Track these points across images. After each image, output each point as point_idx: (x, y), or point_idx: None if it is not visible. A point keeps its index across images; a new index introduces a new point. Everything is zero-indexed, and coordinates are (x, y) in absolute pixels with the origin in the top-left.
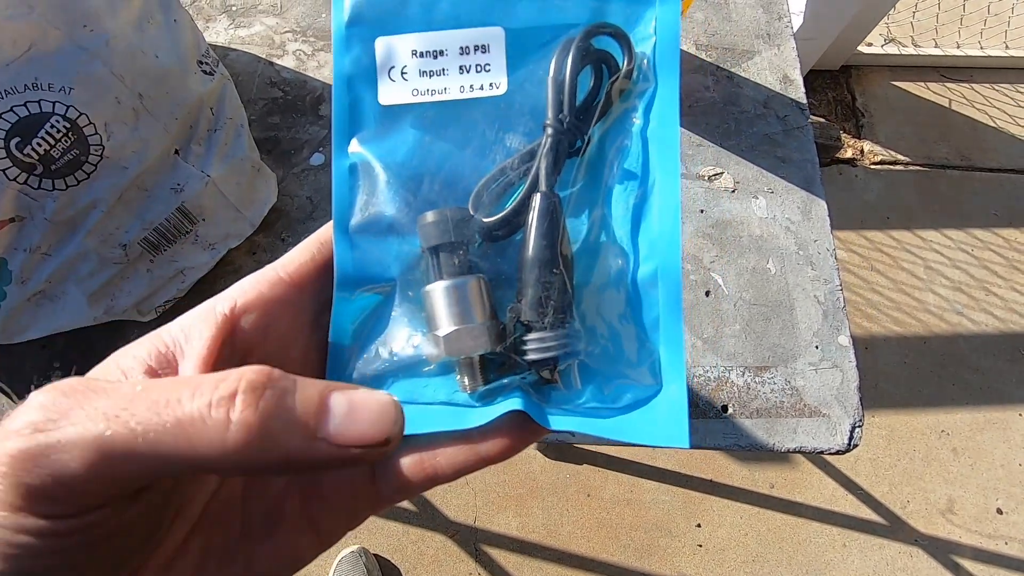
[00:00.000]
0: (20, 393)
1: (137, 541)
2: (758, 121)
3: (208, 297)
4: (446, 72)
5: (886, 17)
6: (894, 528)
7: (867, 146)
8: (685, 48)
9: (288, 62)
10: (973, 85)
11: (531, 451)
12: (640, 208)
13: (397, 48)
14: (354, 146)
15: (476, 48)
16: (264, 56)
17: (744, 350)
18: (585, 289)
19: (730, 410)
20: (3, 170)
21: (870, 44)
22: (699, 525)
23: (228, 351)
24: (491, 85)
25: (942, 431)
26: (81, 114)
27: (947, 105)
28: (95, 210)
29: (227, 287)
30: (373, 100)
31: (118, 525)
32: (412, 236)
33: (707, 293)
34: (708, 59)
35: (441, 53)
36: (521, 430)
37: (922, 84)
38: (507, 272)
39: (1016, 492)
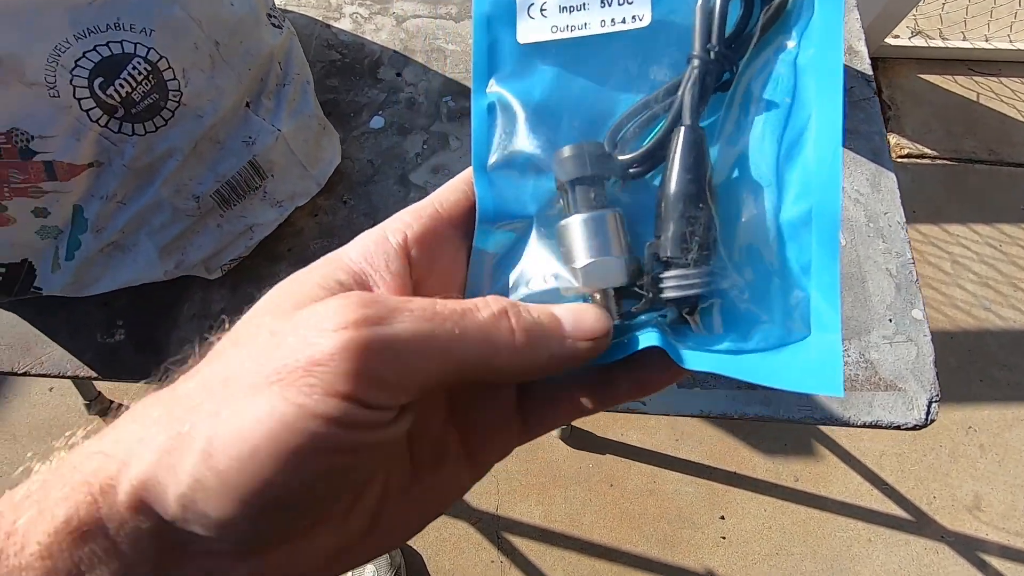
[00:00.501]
0: (83, 350)
1: (385, 464)
2: None
3: (271, 257)
4: (586, 6)
5: (914, 9)
6: (920, 524)
7: (893, 139)
8: None
9: (345, 25)
10: (1002, 79)
11: (554, 439)
12: (795, 142)
13: None
14: (492, 86)
15: None
16: (320, 18)
17: None
18: (730, 228)
19: None
20: (87, 111)
21: (897, 36)
22: (723, 517)
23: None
24: (634, 18)
25: (969, 427)
26: (161, 57)
27: (975, 99)
28: (171, 159)
29: (290, 248)
30: (512, 39)
31: (393, 437)
32: (549, 173)
33: None
34: None
35: None
36: (657, 369)
37: (949, 77)
38: (644, 211)
39: None
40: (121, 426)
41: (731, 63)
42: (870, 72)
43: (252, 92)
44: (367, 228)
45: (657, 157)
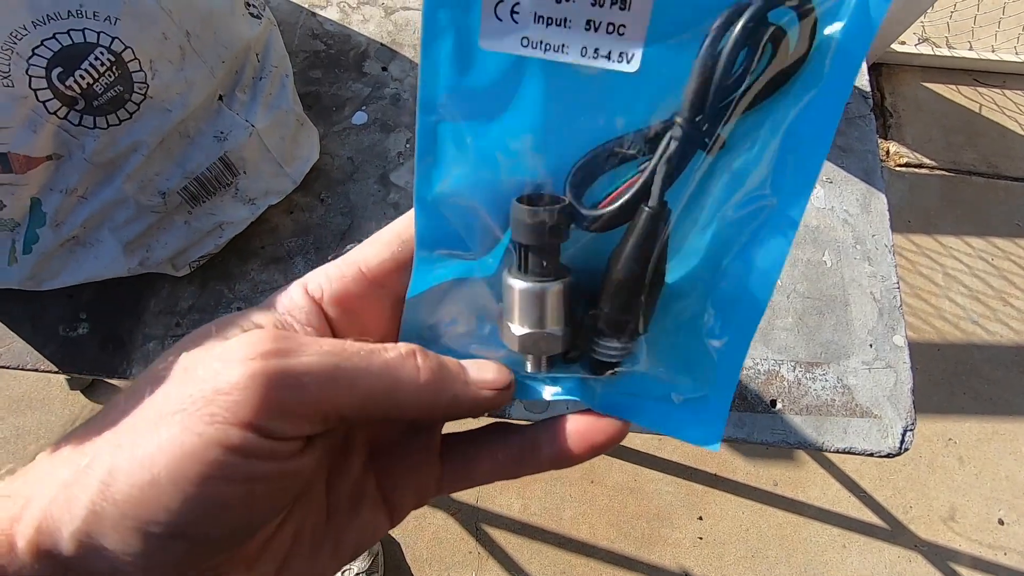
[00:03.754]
0: (44, 343)
1: (289, 501)
2: None
3: (242, 254)
4: (568, 24)
5: (921, 16)
6: (895, 532)
7: (893, 147)
8: None
9: (331, 14)
10: (1005, 91)
11: None
12: (752, 230)
13: None
14: (443, 96)
15: (614, 2)
16: (307, 6)
17: (796, 344)
18: (667, 296)
19: (779, 405)
20: (44, 102)
21: (903, 43)
22: (700, 518)
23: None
24: (620, 56)
25: (949, 439)
26: (126, 48)
27: (977, 110)
28: (135, 153)
29: (263, 246)
30: (472, 41)
31: (296, 470)
32: (495, 211)
33: None
34: None
35: None
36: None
37: (953, 87)
38: (597, 260)
39: (1019, 504)
40: (32, 468)
41: (715, 127)
42: (868, 88)
43: (225, 85)
44: (344, 227)
45: (616, 222)
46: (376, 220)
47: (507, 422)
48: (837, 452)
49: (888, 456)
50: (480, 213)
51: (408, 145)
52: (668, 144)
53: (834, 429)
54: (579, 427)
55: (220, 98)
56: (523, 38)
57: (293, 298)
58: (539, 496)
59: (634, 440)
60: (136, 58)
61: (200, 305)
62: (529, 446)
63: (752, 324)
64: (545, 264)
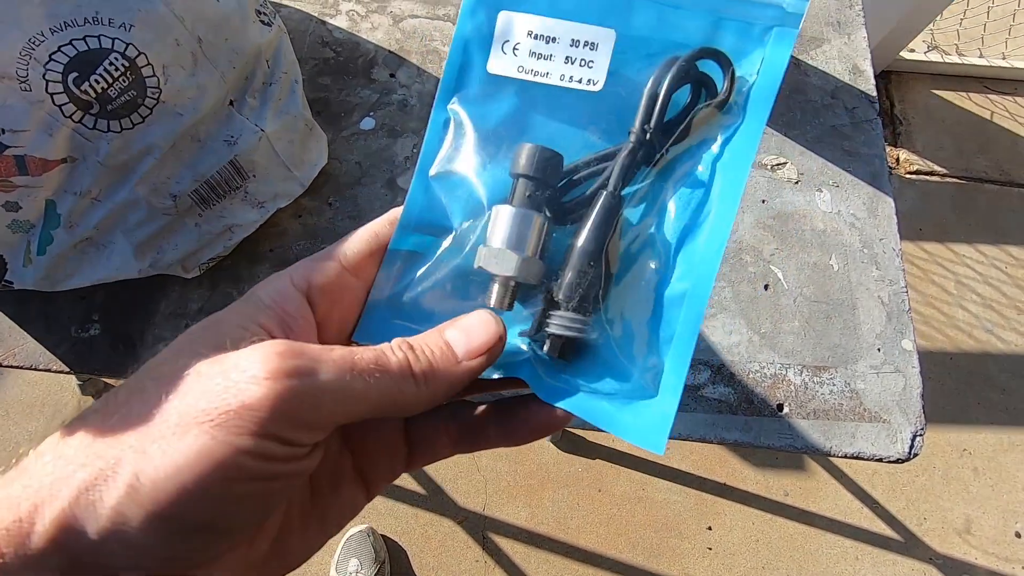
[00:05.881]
0: (57, 344)
1: (293, 492)
2: (825, 112)
3: (251, 257)
4: (553, 58)
5: (931, 23)
6: (908, 544)
7: (903, 155)
8: None
9: (341, 22)
10: (1017, 98)
11: (544, 442)
12: (690, 231)
13: (516, 25)
14: (454, 103)
15: (586, 43)
16: (316, 14)
17: (803, 348)
18: (618, 287)
19: (785, 409)
20: (60, 106)
21: (912, 50)
22: (710, 528)
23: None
24: (589, 81)
25: (964, 450)
26: (140, 53)
27: (989, 117)
28: (148, 156)
29: (271, 249)
30: (482, 66)
31: (307, 467)
32: (480, 193)
33: (766, 287)
34: None
35: (553, 40)
36: (523, 424)
37: (964, 94)
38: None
39: None
40: (31, 467)
41: (661, 145)
42: (874, 93)
43: (236, 90)
44: (351, 230)
45: (581, 212)
46: None
47: (464, 401)
48: (845, 457)
49: (897, 461)
50: (464, 192)
51: (415, 150)
52: (625, 146)
53: (842, 434)
54: (524, 411)
55: (231, 103)
56: (519, 66)
57: (282, 291)
58: (546, 505)
59: (641, 449)
60: (149, 63)
61: (209, 307)
62: (480, 425)
63: (697, 317)
64: (529, 196)
